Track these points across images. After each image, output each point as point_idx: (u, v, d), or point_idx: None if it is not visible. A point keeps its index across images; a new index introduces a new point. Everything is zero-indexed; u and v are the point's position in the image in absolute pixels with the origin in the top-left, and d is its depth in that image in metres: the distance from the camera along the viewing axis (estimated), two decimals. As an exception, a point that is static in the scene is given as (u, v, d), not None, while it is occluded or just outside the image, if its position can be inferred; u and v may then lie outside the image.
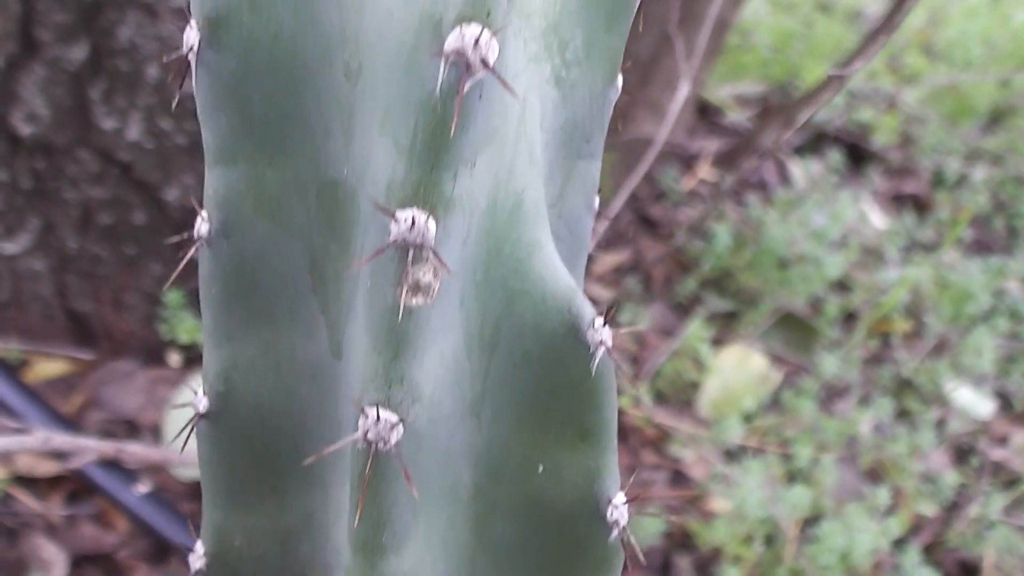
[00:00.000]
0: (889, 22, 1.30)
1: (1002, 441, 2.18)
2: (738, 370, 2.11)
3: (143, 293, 1.85)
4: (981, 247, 2.74)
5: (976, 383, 2.23)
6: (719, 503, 1.87)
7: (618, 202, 2.05)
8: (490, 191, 0.56)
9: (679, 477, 1.95)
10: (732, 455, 1.96)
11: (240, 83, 0.57)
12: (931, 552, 1.89)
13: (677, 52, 2.08)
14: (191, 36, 0.57)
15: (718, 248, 2.33)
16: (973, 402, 2.21)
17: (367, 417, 0.56)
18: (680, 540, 1.84)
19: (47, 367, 1.86)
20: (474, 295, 0.58)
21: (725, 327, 2.28)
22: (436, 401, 0.58)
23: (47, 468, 1.71)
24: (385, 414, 0.56)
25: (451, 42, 0.49)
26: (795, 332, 2.27)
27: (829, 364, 2.11)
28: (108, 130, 1.73)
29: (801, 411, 2.02)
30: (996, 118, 3.29)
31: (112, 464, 1.66)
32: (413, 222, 0.52)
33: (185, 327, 1.82)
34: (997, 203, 2.90)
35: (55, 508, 1.68)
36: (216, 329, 0.62)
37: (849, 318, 2.35)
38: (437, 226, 0.53)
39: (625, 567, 0.69)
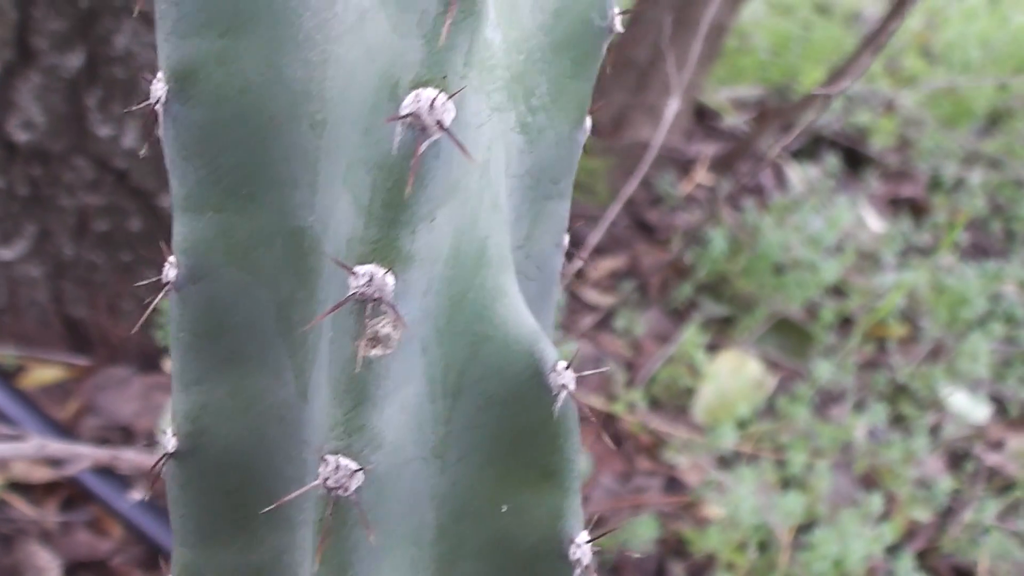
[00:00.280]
0: (874, 41, 1.31)
1: (997, 446, 2.18)
2: (733, 376, 2.12)
3: (139, 299, 1.86)
4: (978, 251, 2.74)
5: (972, 388, 2.24)
6: (713, 509, 1.87)
7: (614, 209, 2.06)
8: (452, 240, 0.57)
9: (674, 483, 1.96)
10: (727, 461, 1.97)
11: (207, 135, 0.58)
12: (925, 558, 1.89)
13: (668, 65, 2.08)
14: (158, 88, 0.58)
15: (714, 253, 2.33)
16: (969, 407, 2.21)
17: (327, 464, 0.57)
18: (674, 547, 1.84)
19: (43, 373, 1.87)
20: (436, 341, 0.59)
21: (721, 332, 2.29)
22: (398, 446, 0.59)
23: (42, 474, 1.72)
24: (345, 462, 0.57)
25: (407, 105, 0.50)
26: (791, 337, 2.27)
27: (824, 369, 2.11)
28: (104, 137, 1.74)
29: (796, 417, 2.02)
30: (994, 121, 3.29)
31: (107, 471, 1.66)
32: (371, 278, 0.53)
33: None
34: (994, 206, 2.90)
35: (50, 515, 1.69)
36: (185, 371, 0.63)
37: (845, 323, 2.36)
38: (396, 280, 0.54)
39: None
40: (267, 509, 0.62)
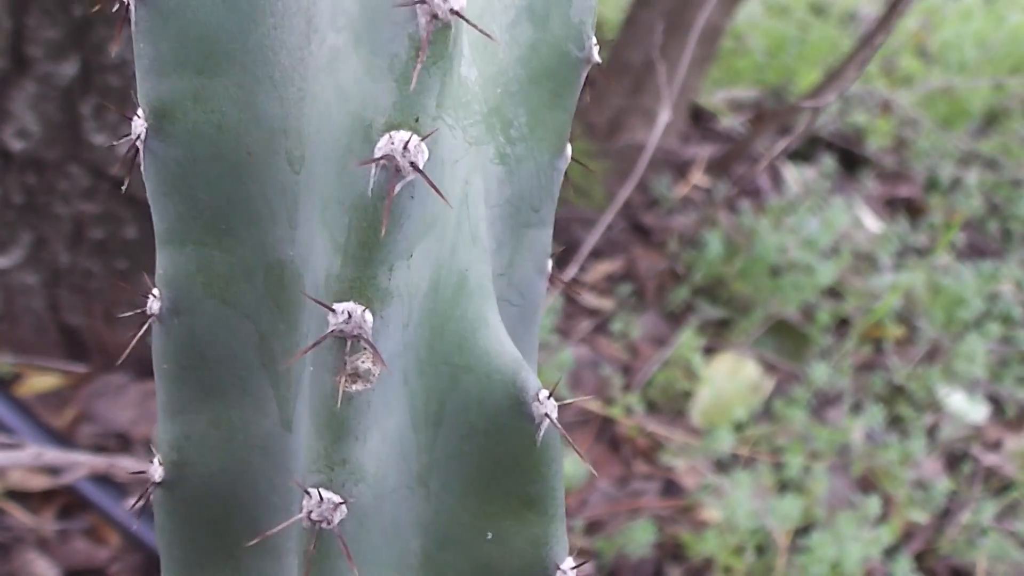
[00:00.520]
0: (865, 48, 1.31)
1: (995, 446, 2.19)
2: (730, 379, 2.12)
3: (134, 307, 1.86)
4: (974, 251, 2.74)
5: (969, 389, 2.24)
6: (710, 513, 1.88)
7: (611, 213, 2.06)
8: (432, 273, 0.57)
9: (671, 487, 1.96)
10: (724, 465, 1.97)
11: (186, 170, 0.58)
12: (923, 560, 1.90)
13: (661, 69, 2.08)
14: (138, 124, 0.58)
15: (710, 256, 2.33)
16: (966, 408, 2.22)
17: (311, 498, 0.58)
18: (671, 550, 1.85)
19: (39, 381, 1.87)
20: (418, 372, 0.59)
21: (717, 335, 2.29)
22: (381, 477, 0.60)
23: (39, 482, 1.72)
24: (328, 495, 0.58)
25: (381, 147, 0.51)
26: (787, 339, 2.27)
27: (821, 372, 2.11)
28: (99, 145, 1.74)
29: (792, 420, 2.03)
30: (990, 121, 3.29)
31: (104, 479, 1.67)
32: (350, 315, 0.53)
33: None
34: (991, 206, 2.90)
35: (47, 523, 1.69)
36: (169, 402, 0.64)
37: (842, 324, 2.36)
38: (374, 317, 0.54)
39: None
40: (251, 543, 0.63)
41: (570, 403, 0.73)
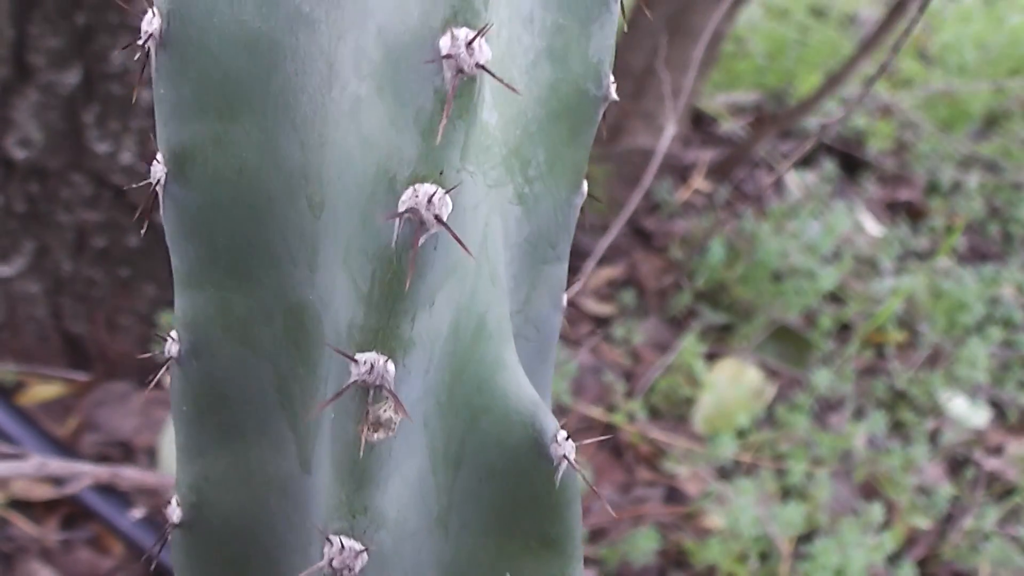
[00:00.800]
0: (840, 76, 1.31)
1: (997, 451, 2.19)
2: (732, 385, 2.12)
3: (137, 315, 1.86)
4: (976, 254, 2.74)
5: (971, 393, 2.24)
6: (714, 520, 1.88)
7: (618, 224, 2.06)
8: (452, 318, 0.57)
9: (674, 494, 1.96)
10: (726, 471, 1.97)
11: (206, 215, 0.58)
12: (926, 566, 1.90)
13: (663, 75, 2.08)
14: (158, 169, 0.58)
15: (712, 261, 2.33)
16: (968, 412, 2.22)
17: (332, 546, 0.57)
18: (675, 558, 1.85)
19: (42, 389, 1.87)
20: (438, 415, 0.59)
21: (719, 340, 2.29)
22: (401, 521, 0.60)
23: (43, 492, 1.72)
24: (349, 543, 0.58)
25: (405, 200, 0.51)
26: (789, 345, 2.28)
27: (823, 377, 2.11)
28: (101, 154, 1.74)
29: (795, 426, 2.03)
30: (991, 124, 3.29)
31: (107, 488, 1.67)
32: (372, 366, 0.53)
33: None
34: (992, 210, 2.90)
35: (51, 533, 1.69)
36: (188, 444, 0.64)
37: (843, 330, 2.36)
38: (396, 367, 0.54)
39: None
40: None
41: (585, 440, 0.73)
